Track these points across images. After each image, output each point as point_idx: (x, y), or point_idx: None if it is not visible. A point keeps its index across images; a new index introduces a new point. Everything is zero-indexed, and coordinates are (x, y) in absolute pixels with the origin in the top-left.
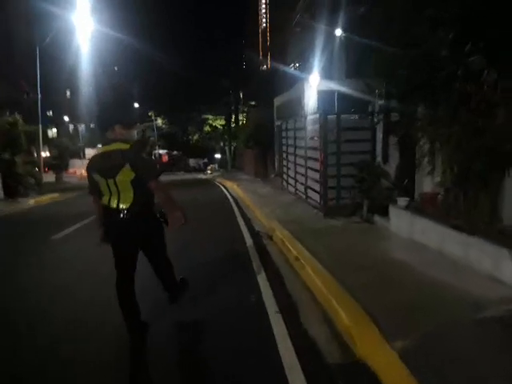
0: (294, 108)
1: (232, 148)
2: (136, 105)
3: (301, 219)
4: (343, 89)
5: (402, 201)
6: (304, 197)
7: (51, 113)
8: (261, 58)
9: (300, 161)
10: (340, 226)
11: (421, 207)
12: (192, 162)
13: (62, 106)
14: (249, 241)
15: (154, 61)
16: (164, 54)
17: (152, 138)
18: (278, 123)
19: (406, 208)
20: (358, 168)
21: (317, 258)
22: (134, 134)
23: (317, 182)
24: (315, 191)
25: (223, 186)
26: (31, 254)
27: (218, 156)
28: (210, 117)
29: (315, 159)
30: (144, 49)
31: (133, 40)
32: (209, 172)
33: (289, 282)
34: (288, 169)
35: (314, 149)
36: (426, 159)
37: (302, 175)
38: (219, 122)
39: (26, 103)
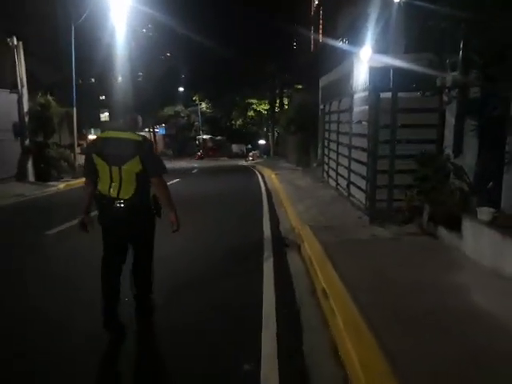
0: (341, 88)
1: (275, 134)
2: (180, 88)
3: (339, 225)
4: (401, 64)
5: (485, 212)
6: (346, 194)
7: (104, 97)
8: (310, 33)
9: (343, 150)
10: (391, 239)
11: None
12: (235, 147)
13: (115, 91)
14: (268, 253)
15: (197, 43)
16: (208, 36)
17: (196, 123)
18: (322, 106)
19: (491, 224)
20: (419, 162)
21: (354, 296)
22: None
23: (363, 177)
24: (360, 189)
25: (261, 174)
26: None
27: (261, 142)
28: (254, 101)
29: (362, 149)
30: (187, 31)
31: (177, 23)
32: (250, 159)
33: (310, 341)
34: (329, 159)
35: (361, 136)
36: None
37: (345, 168)
38: (263, 107)
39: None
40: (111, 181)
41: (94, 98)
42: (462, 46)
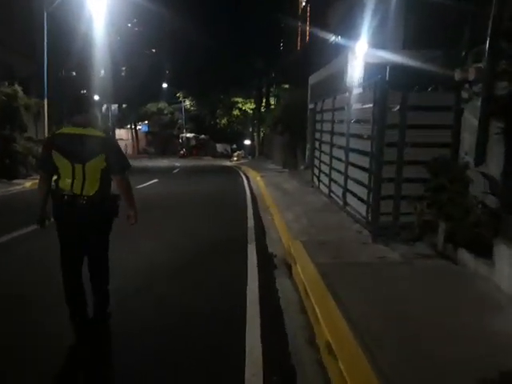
0: (334, 85)
1: (261, 134)
2: (164, 85)
3: (336, 240)
4: (401, 60)
5: None
6: (341, 203)
7: (84, 92)
8: (298, 30)
9: (338, 153)
10: (401, 263)
11: None
12: (219, 147)
13: (95, 85)
14: (253, 277)
15: (182, 38)
16: (193, 32)
17: (180, 121)
18: (311, 106)
19: None
20: (432, 169)
21: (370, 353)
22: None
23: (363, 185)
24: (359, 198)
25: (245, 175)
26: None
27: (247, 142)
28: (240, 100)
29: (362, 152)
30: (173, 27)
31: (162, 18)
32: (235, 159)
33: None
34: (321, 162)
35: (362, 137)
36: None
37: (341, 173)
38: (249, 106)
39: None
40: (73, 178)
41: (75, 92)
42: (489, 31)
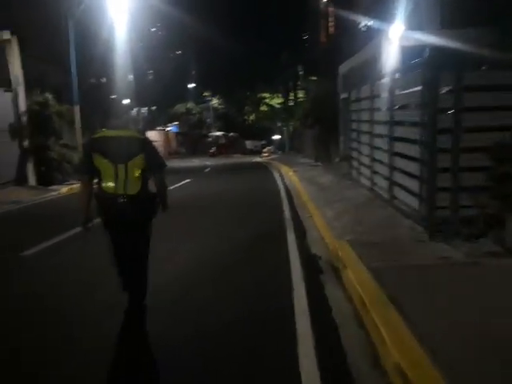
0: (368, 72)
1: (290, 128)
2: (191, 85)
3: (388, 239)
4: (440, 41)
5: None
6: (387, 196)
7: (115, 97)
8: (325, 20)
9: (380, 142)
10: (468, 264)
11: None
12: (249, 143)
13: (124, 90)
14: (298, 283)
15: (207, 37)
16: (218, 30)
17: (208, 120)
18: (343, 95)
19: None
20: (496, 156)
21: (446, 375)
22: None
23: (413, 176)
24: (409, 191)
25: (277, 171)
26: None
27: (276, 137)
28: (267, 95)
29: (410, 141)
30: (197, 26)
31: (186, 19)
32: (265, 155)
33: None
34: (359, 153)
35: (409, 124)
36: None
37: (384, 164)
38: (276, 101)
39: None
40: (117, 178)
41: (105, 98)
42: None
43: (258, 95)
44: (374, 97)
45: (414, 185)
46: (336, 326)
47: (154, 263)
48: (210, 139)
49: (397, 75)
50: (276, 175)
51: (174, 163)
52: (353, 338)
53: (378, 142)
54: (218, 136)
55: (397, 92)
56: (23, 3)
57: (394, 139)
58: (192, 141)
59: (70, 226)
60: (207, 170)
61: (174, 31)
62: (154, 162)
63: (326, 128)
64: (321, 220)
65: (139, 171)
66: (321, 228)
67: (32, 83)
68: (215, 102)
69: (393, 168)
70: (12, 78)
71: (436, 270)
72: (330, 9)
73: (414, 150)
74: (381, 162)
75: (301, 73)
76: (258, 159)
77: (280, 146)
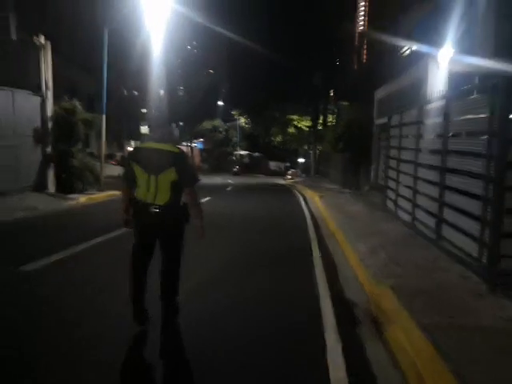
0: (409, 98)
1: (317, 152)
2: (220, 102)
3: (436, 287)
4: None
5: None
6: (432, 235)
7: (145, 110)
8: (360, 44)
9: (425, 173)
10: None
11: None
12: (273, 165)
13: (156, 104)
14: (332, 339)
15: (239, 57)
16: (249, 50)
17: (234, 139)
18: (380, 121)
19: None
20: None
21: None
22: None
23: (471, 216)
24: (464, 233)
25: (302, 195)
26: None
27: (301, 160)
28: (296, 117)
29: (467, 173)
30: (232, 44)
31: (220, 38)
32: (289, 177)
33: None
34: (398, 183)
35: (467, 154)
36: None
37: (430, 198)
38: (305, 124)
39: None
40: (148, 188)
41: (136, 111)
42: None
43: (287, 116)
44: (419, 122)
45: (471, 226)
46: None
47: None
48: (234, 158)
49: (451, 101)
50: (301, 199)
51: None
52: None
53: (423, 172)
54: (242, 155)
55: (453, 118)
56: (61, 12)
57: (447, 171)
58: (216, 158)
59: (83, 238)
60: (229, 188)
61: (209, 50)
62: (184, 176)
63: (357, 154)
64: (353, 255)
65: (169, 183)
66: (354, 265)
67: (62, 90)
68: (243, 120)
69: (443, 204)
70: (42, 82)
71: (505, 334)
72: (365, 33)
73: (474, 185)
74: (425, 195)
75: (332, 96)
76: (281, 181)
77: (305, 169)
